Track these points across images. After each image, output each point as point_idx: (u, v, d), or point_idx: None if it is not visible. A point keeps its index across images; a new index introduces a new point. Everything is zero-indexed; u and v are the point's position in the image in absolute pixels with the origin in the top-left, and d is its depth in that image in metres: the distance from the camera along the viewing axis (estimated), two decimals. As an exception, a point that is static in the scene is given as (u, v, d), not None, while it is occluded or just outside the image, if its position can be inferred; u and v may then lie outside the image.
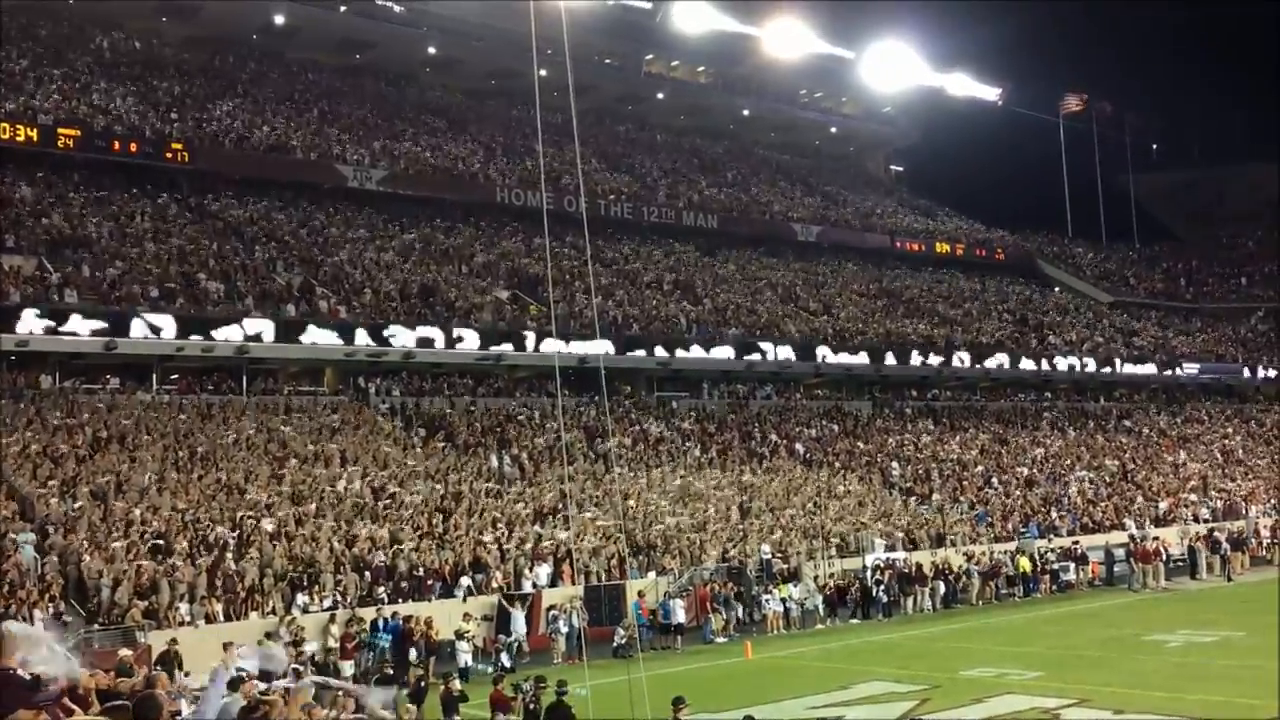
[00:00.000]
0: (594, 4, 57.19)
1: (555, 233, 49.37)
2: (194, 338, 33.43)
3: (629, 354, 42.07)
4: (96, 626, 22.09)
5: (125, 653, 18.43)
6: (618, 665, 22.41)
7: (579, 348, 39.04)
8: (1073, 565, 36.23)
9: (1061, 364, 56.29)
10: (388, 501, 30.28)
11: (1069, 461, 48.74)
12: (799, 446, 43.13)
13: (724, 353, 44.89)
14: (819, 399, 49.64)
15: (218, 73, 52.84)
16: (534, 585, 27.88)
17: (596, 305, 41.15)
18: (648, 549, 31.32)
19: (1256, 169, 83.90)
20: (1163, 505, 44.90)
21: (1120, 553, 37.19)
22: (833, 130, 79.32)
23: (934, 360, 51.16)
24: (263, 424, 33.42)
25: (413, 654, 23.22)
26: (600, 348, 38.50)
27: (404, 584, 26.58)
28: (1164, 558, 36.65)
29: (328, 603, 25.06)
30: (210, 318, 34.33)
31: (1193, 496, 46.78)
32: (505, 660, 23.96)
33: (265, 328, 34.75)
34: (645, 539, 31.78)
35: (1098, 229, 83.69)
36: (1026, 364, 54.64)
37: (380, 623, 24.44)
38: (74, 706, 6.96)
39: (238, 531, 26.59)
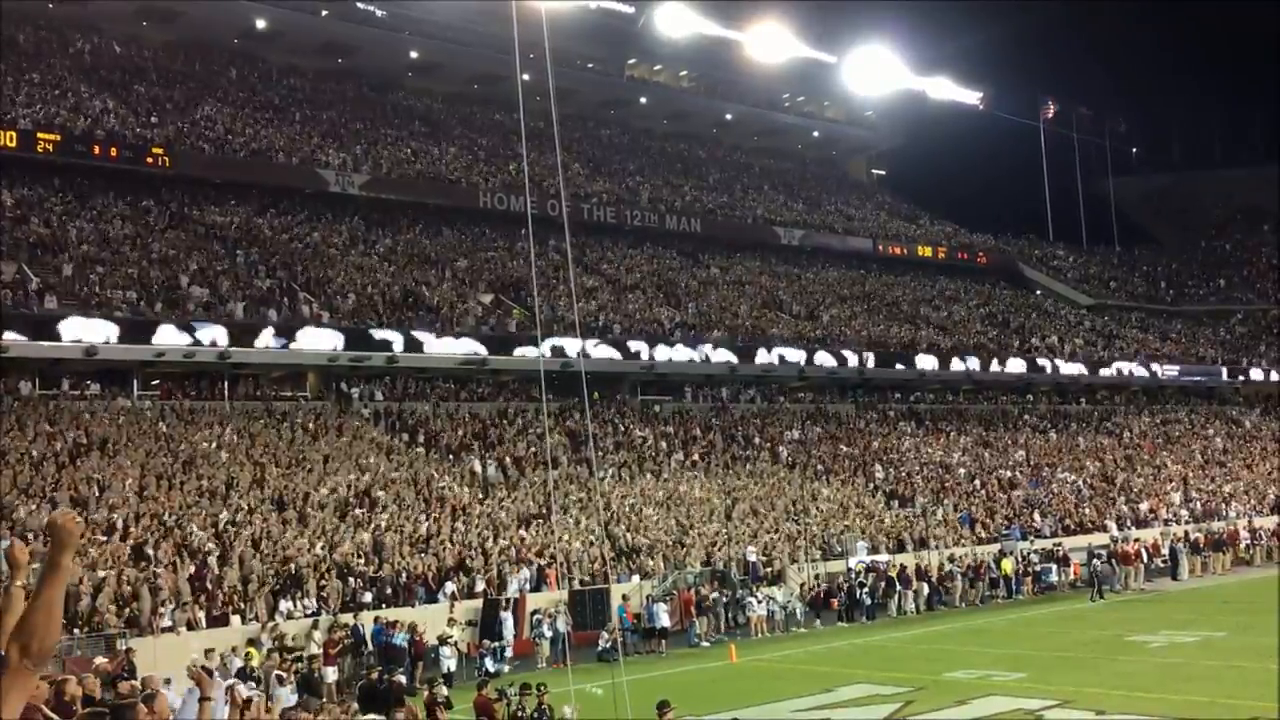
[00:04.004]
0: (576, 9, 57.21)
1: (538, 237, 49.33)
2: (175, 343, 33.26)
3: (612, 358, 42.08)
4: (77, 634, 21.94)
5: (101, 660, 18.30)
6: (602, 669, 22.37)
7: (562, 352, 39.02)
8: (1055, 567, 36.37)
9: (1043, 366, 56.58)
10: (370, 506, 30.20)
11: (1051, 464, 48.96)
12: (782, 450, 43.20)
13: (707, 356, 44.91)
14: (802, 402, 49.75)
15: (199, 77, 52.62)
16: (518, 590, 27.83)
17: (580, 309, 41.13)
18: (632, 553, 31.32)
19: (1233, 173, 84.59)
20: (1144, 507, 45.14)
21: (1103, 554, 37.33)
22: (815, 134, 79.52)
23: (917, 363, 51.34)
24: (244, 429, 33.31)
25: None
26: (583, 351, 38.46)
27: (388, 589, 26.51)
28: (1145, 559, 36.87)
29: (311, 608, 24.97)
30: (191, 323, 34.16)
31: (1174, 498, 47.05)
32: (489, 665, 23.91)
33: (249, 332, 34.64)
34: (629, 543, 31.78)
35: (1078, 232, 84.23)
36: (1008, 367, 54.88)
37: (360, 629, 24.38)
38: (54, 717, 6.92)
39: (220, 537, 26.48)
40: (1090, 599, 33.39)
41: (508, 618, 26.45)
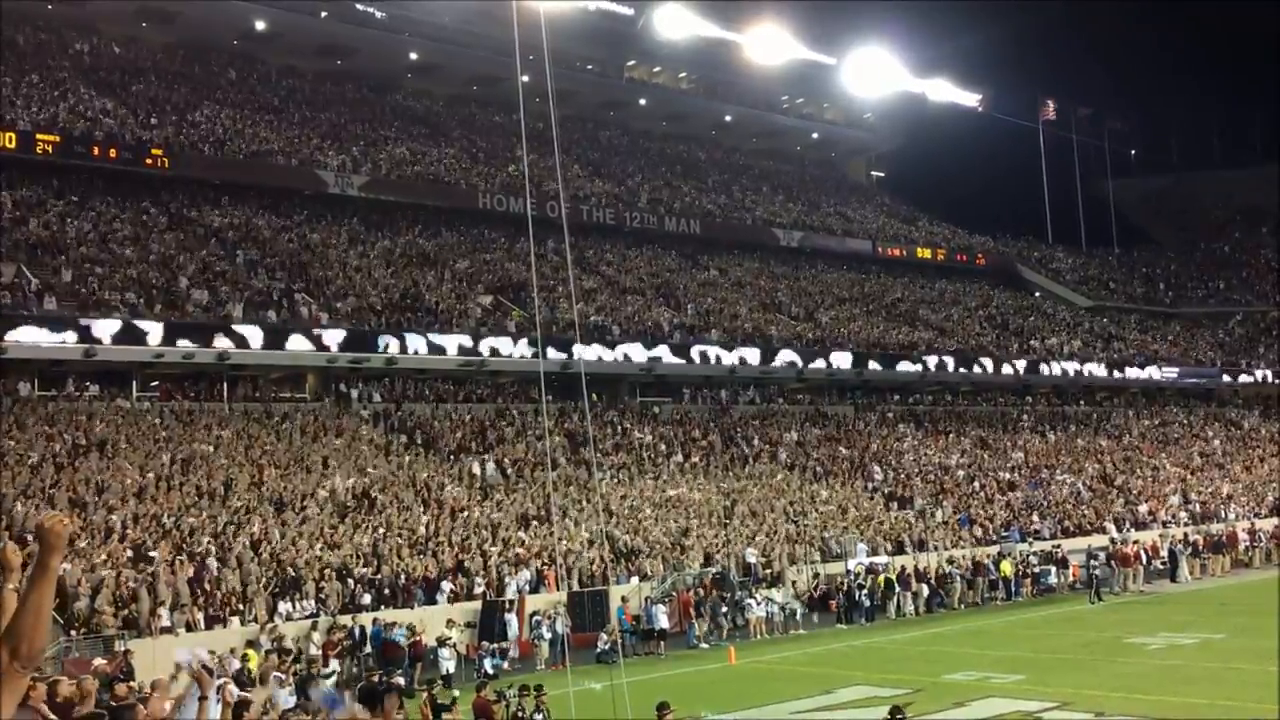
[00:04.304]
0: (575, 10, 57.22)
1: (538, 238, 49.31)
2: (174, 344, 33.27)
3: (611, 359, 42.09)
4: (75, 635, 21.92)
5: (99, 662, 18.29)
6: (601, 671, 22.36)
7: (561, 353, 39.03)
8: (1054, 569, 36.36)
9: (1042, 368, 56.59)
10: (370, 508, 30.19)
11: (1050, 465, 48.96)
12: (781, 451, 43.20)
13: (706, 357, 44.93)
14: (801, 404, 49.76)
15: (198, 78, 52.63)
16: (517, 591, 27.82)
17: (579, 311, 41.14)
18: (631, 554, 31.31)
19: (1232, 174, 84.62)
20: (1143, 509, 45.15)
21: (1101, 556, 37.31)
22: (814, 136, 79.55)
23: (915, 365, 51.35)
24: (244, 430, 33.31)
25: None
26: (582, 353, 38.48)
27: (386, 591, 26.51)
28: (1144, 561, 36.87)
29: (310, 610, 24.97)
30: (191, 324, 34.17)
31: (1173, 500, 47.04)
32: (488, 667, 23.91)
33: (248, 333, 34.66)
34: (628, 544, 31.77)
35: (1077, 234, 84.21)
36: (1007, 368, 54.89)
37: (358, 630, 24.36)
38: (53, 717, 6.91)
39: (219, 539, 26.48)
40: (1089, 600, 33.39)
41: (512, 619, 26.43)
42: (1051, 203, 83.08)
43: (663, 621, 27.62)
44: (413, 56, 60.02)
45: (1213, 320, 73.16)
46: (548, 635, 25.96)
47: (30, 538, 24.25)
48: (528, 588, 28.14)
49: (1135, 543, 38.29)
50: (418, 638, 24.18)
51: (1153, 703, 18.57)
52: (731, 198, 65.17)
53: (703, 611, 28.97)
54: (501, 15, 48.89)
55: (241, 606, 24.32)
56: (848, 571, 32.86)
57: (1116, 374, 59.62)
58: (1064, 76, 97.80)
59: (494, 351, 39.11)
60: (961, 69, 75.82)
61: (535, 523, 31.68)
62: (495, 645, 25.22)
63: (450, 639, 24.30)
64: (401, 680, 20.19)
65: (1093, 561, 35.04)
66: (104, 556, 24.39)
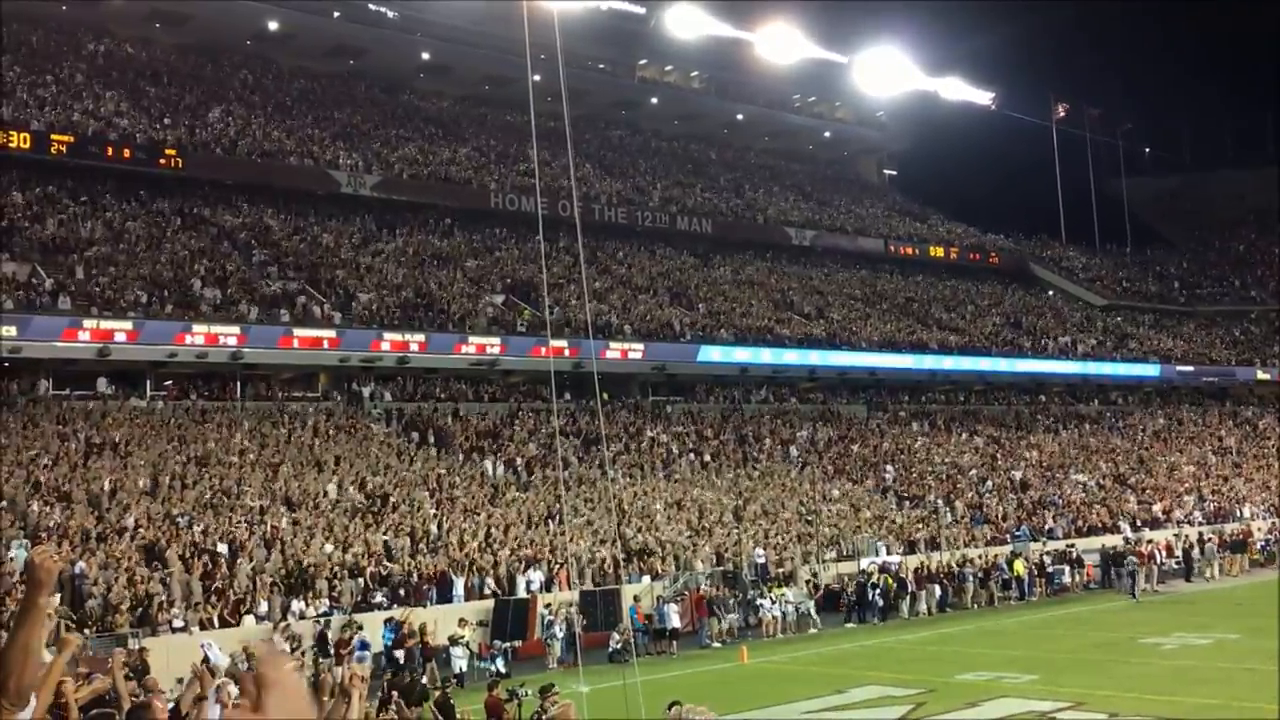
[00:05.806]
0: (587, 10, 57.19)
1: (549, 238, 49.16)
2: (188, 343, 33.39)
3: (623, 358, 42.09)
4: (89, 634, 21.98)
5: (119, 652, 18.35)
6: (613, 670, 22.34)
7: (572, 352, 39.05)
8: (1068, 568, 36.22)
9: (1055, 367, 56.42)
10: (382, 506, 30.25)
11: (1063, 464, 48.81)
12: (793, 450, 43.15)
13: (718, 357, 44.90)
14: (813, 403, 49.70)
15: (210, 79, 52.75)
16: (528, 590, 27.83)
17: (590, 310, 41.15)
18: (643, 553, 31.30)
19: (1244, 174, 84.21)
20: (1157, 508, 44.97)
21: (1117, 551, 37.12)
22: (826, 135, 79.40)
23: (928, 364, 51.25)
24: (256, 429, 33.40)
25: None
26: (593, 352, 38.49)
27: (399, 590, 26.54)
28: (1158, 560, 36.70)
29: (322, 608, 25.01)
30: (203, 323, 34.27)
31: (1188, 499, 46.86)
32: (500, 665, 23.90)
33: (260, 333, 34.76)
34: (640, 543, 31.76)
35: (1090, 233, 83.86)
36: (1020, 367, 54.74)
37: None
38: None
39: (231, 537, 26.55)
40: (1132, 594, 33.19)
41: (545, 613, 26.38)
42: (1064, 201, 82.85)
43: (675, 621, 27.60)
44: (425, 57, 60.07)
45: (1227, 319, 72.87)
46: (559, 634, 25.95)
47: (44, 536, 24.39)
48: (539, 587, 28.14)
49: (1149, 542, 38.12)
50: (425, 639, 24.08)
51: (1166, 703, 18.49)
52: (743, 197, 65.12)
53: (715, 611, 28.93)
54: (512, 15, 48.73)
55: (254, 605, 24.36)
56: (860, 570, 32.80)
57: (1130, 372, 59.41)
58: (1076, 75, 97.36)
59: (505, 350, 39.17)
60: (973, 68, 75.59)
61: (547, 521, 31.69)
62: (509, 644, 25.21)
63: (463, 638, 24.29)
64: (424, 680, 20.21)
65: (1129, 559, 34.67)
66: (118, 555, 24.47)
